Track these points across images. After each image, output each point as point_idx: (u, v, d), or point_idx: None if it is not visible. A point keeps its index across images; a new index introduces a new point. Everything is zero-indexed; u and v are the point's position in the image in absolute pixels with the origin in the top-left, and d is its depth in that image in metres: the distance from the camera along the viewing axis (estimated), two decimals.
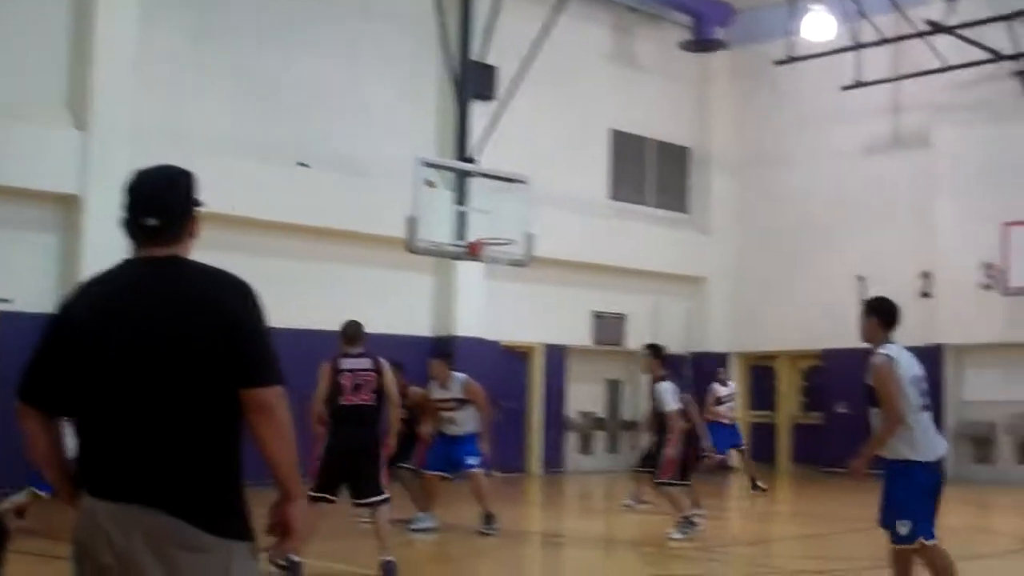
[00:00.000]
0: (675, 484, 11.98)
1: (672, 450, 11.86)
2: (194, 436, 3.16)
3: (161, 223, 3.30)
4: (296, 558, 8.41)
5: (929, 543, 6.78)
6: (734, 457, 19.21)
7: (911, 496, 6.83)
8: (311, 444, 9.14)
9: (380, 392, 9.14)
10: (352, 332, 9.32)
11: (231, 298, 3.25)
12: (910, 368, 6.96)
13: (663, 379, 12.00)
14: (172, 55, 16.68)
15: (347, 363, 9.15)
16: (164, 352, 3.16)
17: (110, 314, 3.23)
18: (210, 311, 3.20)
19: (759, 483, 17.43)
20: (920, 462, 6.85)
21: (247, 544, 3.19)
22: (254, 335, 3.24)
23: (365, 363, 9.14)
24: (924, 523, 6.78)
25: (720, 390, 18.14)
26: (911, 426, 6.85)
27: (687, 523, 11.82)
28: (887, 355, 6.93)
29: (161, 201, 3.33)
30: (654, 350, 12.36)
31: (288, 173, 17.49)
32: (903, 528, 6.80)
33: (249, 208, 16.64)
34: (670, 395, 11.91)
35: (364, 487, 9.02)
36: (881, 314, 7.15)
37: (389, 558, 8.89)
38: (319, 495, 8.88)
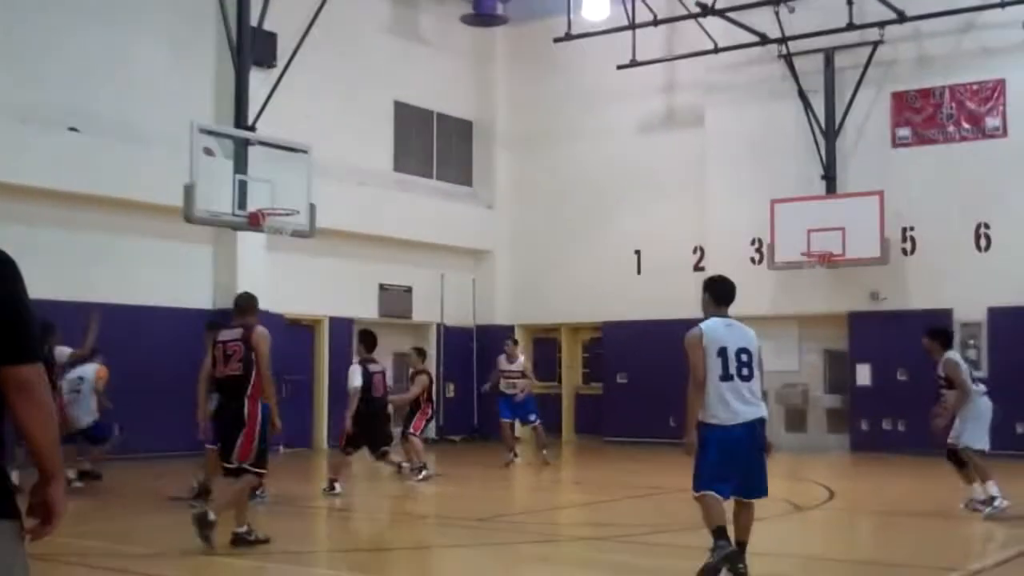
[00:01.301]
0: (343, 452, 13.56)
1: (347, 423, 13.42)
2: None
3: None
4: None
5: (703, 493, 7.44)
6: (520, 429, 19.25)
7: (701, 454, 7.53)
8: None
9: (248, 362, 9.10)
10: (235, 304, 9.58)
11: None
12: (719, 341, 7.56)
13: (361, 362, 13.60)
14: None
15: (222, 335, 9.37)
16: None
17: None
18: None
19: (546, 455, 17.62)
20: (711, 424, 7.51)
21: (10, 523, 3.04)
22: (11, 309, 3.05)
23: (235, 334, 9.23)
24: (704, 477, 7.48)
25: (503, 363, 17.94)
26: (709, 393, 7.50)
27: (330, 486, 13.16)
28: (699, 328, 7.66)
29: None
30: (360, 335, 14.20)
31: (57, 138, 16.66)
32: (693, 481, 7.55)
33: (14, 174, 15.84)
34: (355, 375, 13.46)
35: (225, 456, 9.21)
36: (712, 291, 7.91)
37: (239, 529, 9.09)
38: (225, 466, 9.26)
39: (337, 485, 13.39)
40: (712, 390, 7.51)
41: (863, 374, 20.39)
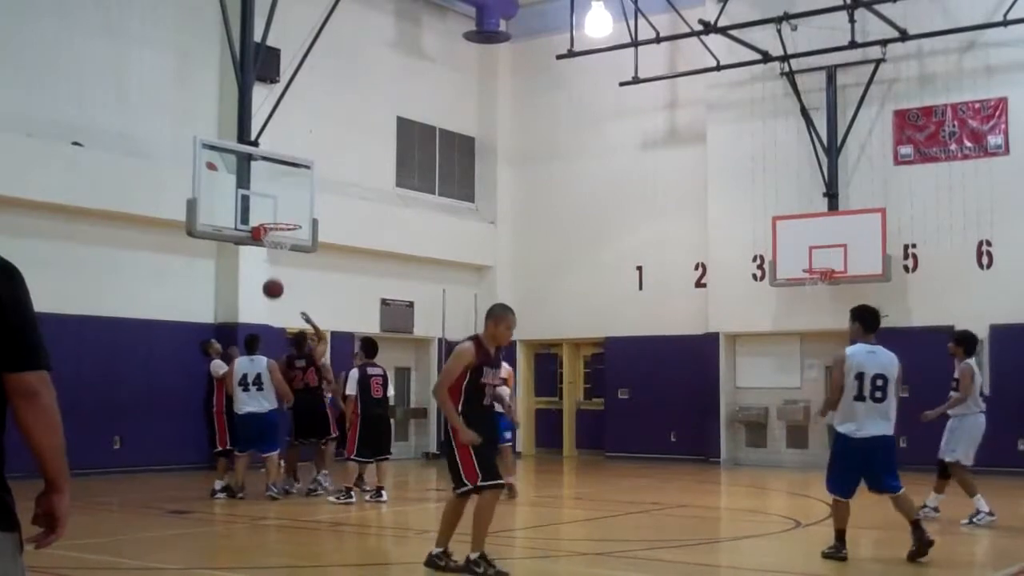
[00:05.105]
0: (356, 460, 13.93)
1: (352, 429, 13.90)
2: None
3: None
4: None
5: (834, 497, 9.04)
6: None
7: (832, 459, 9.11)
8: None
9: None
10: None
11: None
12: (859, 366, 8.88)
13: (359, 367, 14.07)
14: None
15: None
16: None
17: None
18: None
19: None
20: (843, 435, 8.93)
21: (10, 535, 3.04)
22: (19, 318, 3.07)
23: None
24: (833, 481, 9.04)
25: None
26: (843, 408, 8.89)
27: (347, 492, 13.68)
28: (844, 351, 9.04)
29: None
30: (362, 341, 14.86)
31: (61, 152, 16.71)
32: (826, 481, 9.14)
33: (18, 188, 15.89)
34: (352, 381, 13.92)
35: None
36: (862, 320, 9.22)
37: None
38: None
39: (354, 493, 13.83)
40: (845, 406, 8.83)
41: None
